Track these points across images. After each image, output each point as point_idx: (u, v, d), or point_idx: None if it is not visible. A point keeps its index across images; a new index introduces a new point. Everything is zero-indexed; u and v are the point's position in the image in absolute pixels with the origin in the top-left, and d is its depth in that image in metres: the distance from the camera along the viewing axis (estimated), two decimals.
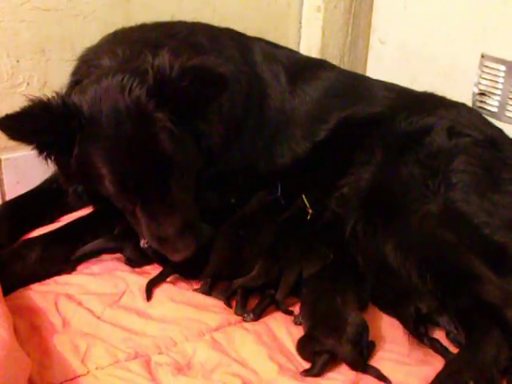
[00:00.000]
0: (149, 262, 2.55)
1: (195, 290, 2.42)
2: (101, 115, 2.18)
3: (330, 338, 2.06)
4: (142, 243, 2.45)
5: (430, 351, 2.20)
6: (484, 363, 2.05)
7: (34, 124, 2.16)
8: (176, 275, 2.48)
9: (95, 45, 2.68)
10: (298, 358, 2.13)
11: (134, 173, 2.20)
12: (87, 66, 2.50)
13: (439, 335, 2.26)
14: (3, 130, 2.13)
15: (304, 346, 2.12)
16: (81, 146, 2.22)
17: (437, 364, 2.12)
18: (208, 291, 2.39)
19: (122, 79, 2.21)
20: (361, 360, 2.06)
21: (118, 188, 2.24)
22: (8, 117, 2.11)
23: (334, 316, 2.15)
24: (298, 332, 2.22)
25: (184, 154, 2.27)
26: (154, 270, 2.52)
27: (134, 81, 2.19)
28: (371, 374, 2.04)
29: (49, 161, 2.32)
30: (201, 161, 2.40)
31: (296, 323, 2.30)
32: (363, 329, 2.13)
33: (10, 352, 1.80)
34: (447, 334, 2.28)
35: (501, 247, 2.34)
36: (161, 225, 2.26)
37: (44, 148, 2.27)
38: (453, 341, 2.25)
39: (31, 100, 2.14)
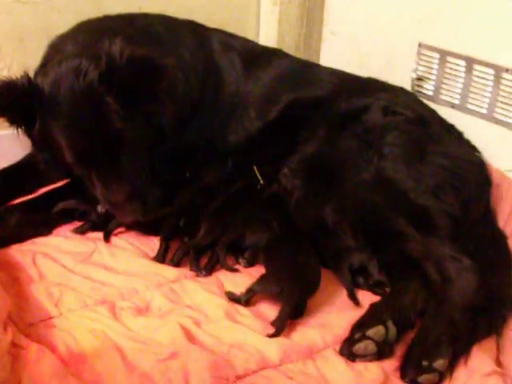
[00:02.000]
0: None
1: (152, 258, 2.64)
2: (59, 95, 2.43)
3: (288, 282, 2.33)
4: (100, 208, 2.73)
5: (362, 299, 2.46)
6: (402, 306, 2.33)
7: (0, 101, 2.45)
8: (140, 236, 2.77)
9: (63, 33, 2.86)
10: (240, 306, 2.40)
11: (87, 146, 2.48)
12: (53, 52, 2.74)
13: None
14: None
15: (262, 282, 2.38)
16: (41, 121, 2.49)
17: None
18: (162, 260, 2.62)
19: (80, 64, 2.44)
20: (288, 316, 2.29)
21: (75, 158, 2.52)
22: None
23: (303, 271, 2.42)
24: (243, 282, 2.48)
25: (133, 130, 2.51)
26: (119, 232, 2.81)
27: (90, 65, 2.42)
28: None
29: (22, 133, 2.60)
30: (152, 137, 2.64)
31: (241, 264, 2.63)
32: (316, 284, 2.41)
33: None
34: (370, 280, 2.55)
35: (424, 209, 2.56)
36: (111, 191, 2.56)
37: (13, 121, 2.54)
38: (373, 287, 2.53)
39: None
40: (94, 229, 2.79)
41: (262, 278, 2.41)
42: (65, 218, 2.83)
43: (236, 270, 2.62)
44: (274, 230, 2.65)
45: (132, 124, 2.51)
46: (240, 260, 2.67)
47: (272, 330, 2.25)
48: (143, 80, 2.45)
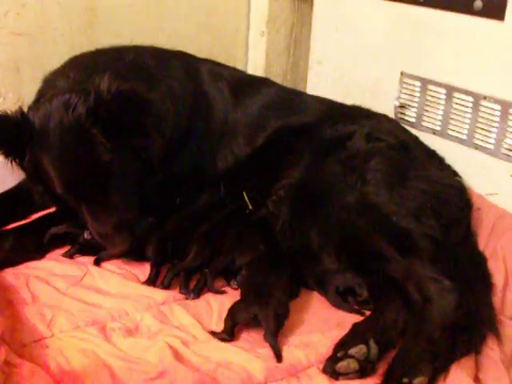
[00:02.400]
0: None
1: (143, 282, 2.70)
2: (49, 128, 2.54)
3: (257, 305, 2.39)
4: (86, 234, 2.80)
5: (346, 318, 2.52)
6: (384, 326, 2.39)
7: None
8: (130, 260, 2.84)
9: (57, 68, 2.96)
10: None
11: (76, 179, 2.58)
12: (47, 87, 2.84)
13: None
14: None
15: (234, 312, 2.43)
16: (32, 153, 2.59)
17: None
18: (153, 284, 2.68)
19: (69, 98, 2.54)
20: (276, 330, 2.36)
21: (63, 190, 2.61)
22: None
23: (264, 289, 2.48)
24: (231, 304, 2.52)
25: (120, 163, 2.60)
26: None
27: (79, 100, 2.52)
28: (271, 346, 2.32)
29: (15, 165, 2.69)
30: (140, 169, 2.71)
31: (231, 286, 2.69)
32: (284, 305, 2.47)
33: None
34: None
35: (406, 232, 2.63)
36: (100, 223, 2.64)
37: (6, 153, 2.65)
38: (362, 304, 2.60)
39: None
40: (82, 253, 2.86)
41: (232, 309, 2.46)
42: (57, 242, 2.89)
43: (224, 293, 2.69)
44: (261, 252, 2.73)
45: (119, 156, 2.59)
46: (231, 283, 2.73)
47: (260, 351, 2.32)
48: (128, 113, 2.53)
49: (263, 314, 2.37)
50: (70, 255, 2.84)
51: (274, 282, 2.53)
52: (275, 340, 2.33)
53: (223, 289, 2.72)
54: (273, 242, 2.81)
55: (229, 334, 2.38)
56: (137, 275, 2.78)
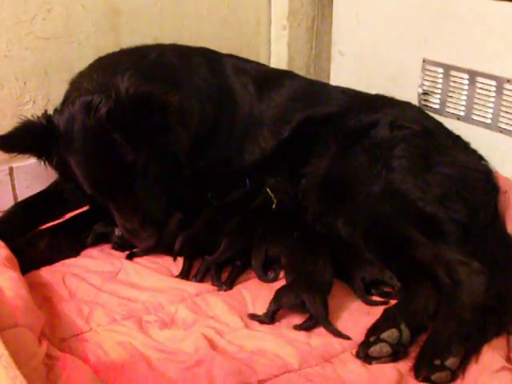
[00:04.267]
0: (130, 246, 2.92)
1: (176, 276, 2.74)
2: (73, 131, 2.60)
3: (306, 292, 2.43)
4: (117, 232, 2.88)
5: (375, 307, 2.55)
6: (415, 310, 2.41)
7: (20, 141, 2.66)
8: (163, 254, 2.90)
9: (82, 70, 3.00)
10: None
11: (101, 180, 2.66)
12: (72, 89, 2.90)
13: None
14: None
15: (281, 296, 2.47)
16: (59, 156, 2.67)
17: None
18: (186, 277, 2.73)
19: (91, 100, 2.58)
20: (326, 315, 2.42)
21: (91, 190, 2.70)
22: (1, 137, 2.60)
23: (309, 275, 2.53)
24: (264, 295, 2.59)
25: (145, 163, 2.65)
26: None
27: (100, 102, 2.55)
28: (329, 330, 2.39)
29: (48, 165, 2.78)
30: (168, 165, 2.75)
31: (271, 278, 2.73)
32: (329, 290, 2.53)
33: (28, 304, 2.26)
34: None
35: (432, 217, 2.67)
36: (126, 219, 2.72)
37: (38, 156, 2.74)
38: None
39: (20, 121, 2.62)
40: (118, 249, 2.94)
41: (279, 293, 2.50)
42: (93, 240, 2.96)
43: (274, 280, 2.74)
44: (297, 239, 2.79)
45: (143, 156, 2.64)
46: (269, 273, 2.77)
47: (293, 337, 2.37)
48: (146, 115, 2.57)
49: (311, 301, 2.42)
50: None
51: (315, 269, 2.58)
52: (330, 323, 2.40)
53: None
54: (307, 229, 2.86)
55: (270, 317, 2.43)
56: (170, 269, 2.84)
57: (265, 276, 2.74)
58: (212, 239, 2.83)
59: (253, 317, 2.46)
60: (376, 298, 2.63)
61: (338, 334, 2.37)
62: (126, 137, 2.58)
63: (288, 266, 2.68)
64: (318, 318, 2.40)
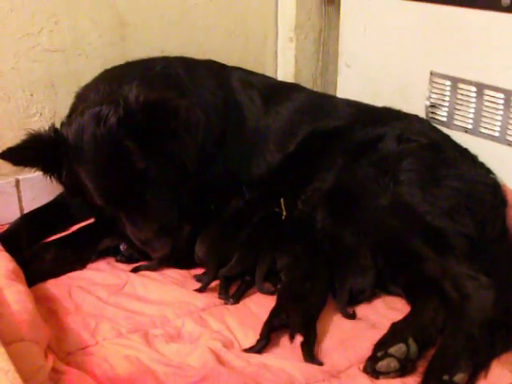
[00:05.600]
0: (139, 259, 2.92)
1: (195, 290, 2.71)
2: (82, 142, 2.60)
3: (288, 311, 2.43)
4: (122, 246, 2.88)
5: (379, 319, 2.55)
6: (423, 324, 2.40)
7: (29, 154, 2.66)
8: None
9: (88, 82, 3.02)
10: None
11: (113, 189, 2.64)
12: (79, 101, 2.90)
13: None
14: (6, 160, 2.65)
15: (271, 317, 2.45)
16: (68, 168, 2.66)
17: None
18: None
19: (100, 111, 2.59)
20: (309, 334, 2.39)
21: (102, 201, 2.68)
22: (9, 149, 2.63)
23: (298, 295, 2.52)
24: (271, 307, 2.54)
25: (156, 169, 2.64)
26: None
27: (109, 112, 2.56)
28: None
29: (54, 180, 2.78)
30: (176, 174, 2.76)
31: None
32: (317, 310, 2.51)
33: (34, 318, 2.24)
34: None
35: (440, 231, 2.64)
36: (140, 229, 2.70)
37: (45, 170, 2.73)
38: None
39: (27, 134, 2.62)
40: (124, 261, 2.94)
41: (271, 314, 2.48)
42: (98, 253, 2.96)
43: (272, 294, 2.70)
44: (297, 255, 2.76)
45: (154, 163, 2.64)
46: (279, 284, 2.74)
47: (300, 353, 2.35)
48: (158, 121, 2.58)
49: (292, 321, 2.41)
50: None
51: (309, 288, 2.57)
52: (308, 347, 2.34)
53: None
54: (312, 244, 2.84)
55: (265, 337, 2.39)
56: (176, 282, 2.83)
57: (264, 288, 2.72)
58: (224, 251, 2.83)
59: (249, 350, 2.40)
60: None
61: (312, 361, 2.32)
62: (138, 143, 2.58)
63: (283, 289, 2.66)
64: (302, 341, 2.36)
